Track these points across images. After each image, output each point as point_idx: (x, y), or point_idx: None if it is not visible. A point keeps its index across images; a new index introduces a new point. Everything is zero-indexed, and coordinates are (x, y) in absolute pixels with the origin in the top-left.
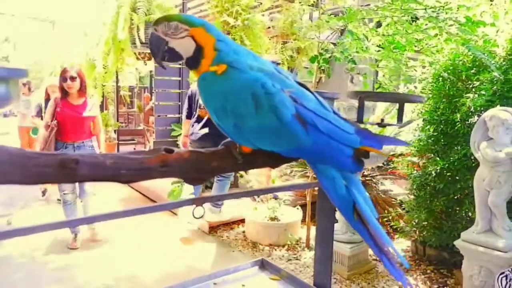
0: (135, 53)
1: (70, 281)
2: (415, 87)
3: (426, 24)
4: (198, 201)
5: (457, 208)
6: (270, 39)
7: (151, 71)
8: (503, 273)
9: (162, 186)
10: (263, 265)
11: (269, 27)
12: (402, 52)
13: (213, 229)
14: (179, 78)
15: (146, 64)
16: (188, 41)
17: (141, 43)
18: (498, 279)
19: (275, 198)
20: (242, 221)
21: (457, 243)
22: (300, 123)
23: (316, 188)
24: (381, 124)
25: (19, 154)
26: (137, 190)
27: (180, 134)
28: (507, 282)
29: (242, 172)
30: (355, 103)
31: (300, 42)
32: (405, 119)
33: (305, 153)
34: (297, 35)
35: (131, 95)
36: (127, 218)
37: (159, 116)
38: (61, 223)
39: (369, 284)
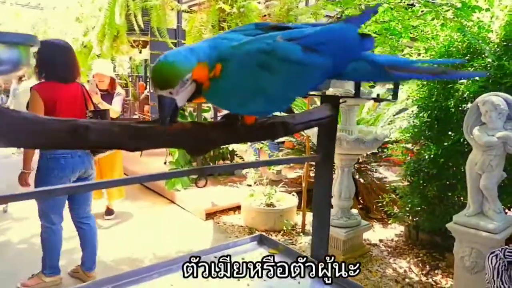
0: (129, 41)
1: (70, 265)
2: None
3: (422, 11)
4: (204, 171)
5: (450, 193)
6: None
7: (146, 60)
8: (493, 252)
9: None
10: (261, 240)
11: (264, 15)
12: (398, 39)
13: (210, 215)
14: None
15: (141, 52)
16: (192, 87)
17: (140, 30)
18: (488, 258)
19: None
20: (238, 207)
21: (449, 225)
22: (311, 52)
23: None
24: (377, 99)
25: (34, 120)
26: None
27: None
28: (497, 261)
29: (238, 159)
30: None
31: None
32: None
33: (330, 73)
34: (294, 23)
35: (126, 83)
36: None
37: (154, 104)
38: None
39: (364, 267)
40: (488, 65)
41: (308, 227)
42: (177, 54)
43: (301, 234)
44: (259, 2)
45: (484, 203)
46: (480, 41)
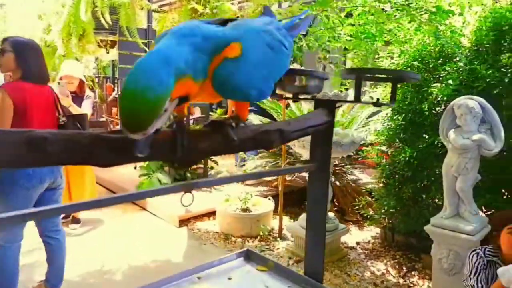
0: (96, 40)
1: (30, 281)
2: None
3: (395, 15)
4: (187, 187)
5: (424, 195)
6: None
7: (113, 60)
8: (475, 250)
9: (130, 179)
10: (248, 256)
11: (237, 16)
12: (373, 42)
13: (183, 222)
14: None
15: (108, 52)
16: (171, 107)
17: (108, 29)
18: (469, 255)
19: None
20: (213, 213)
21: (427, 228)
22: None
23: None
24: (377, 104)
25: None
26: (101, 185)
27: None
28: (477, 259)
29: (213, 164)
30: (329, 92)
31: None
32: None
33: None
34: None
35: (92, 85)
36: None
37: None
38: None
39: (342, 271)
40: (460, 69)
41: (285, 232)
42: (149, 75)
43: (278, 239)
44: (232, 3)
45: (460, 205)
46: (453, 45)
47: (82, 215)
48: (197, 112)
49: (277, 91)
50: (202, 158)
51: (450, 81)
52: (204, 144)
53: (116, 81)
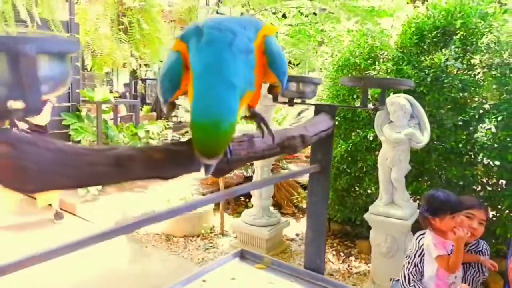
0: (7, 32)
1: None
2: (318, 75)
3: (332, 13)
4: (230, 195)
5: (358, 186)
6: (167, 23)
7: None
8: (422, 234)
9: None
10: (243, 255)
11: (163, 10)
12: (308, 41)
13: None
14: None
15: None
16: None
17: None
18: (417, 238)
19: None
20: None
21: (366, 216)
22: None
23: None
24: (375, 108)
25: (72, 151)
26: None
27: (74, 123)
28: (423, 243)
29: None
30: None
31: None
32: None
33: None
34: (195, 20)
35: None
36: (13, 218)
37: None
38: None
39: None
40: (389, 69)
41: (226, 229)
42: (221, 106)
43: (221, 236)
44: None
45: (394, 193)
46: (382, 45)
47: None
48: (123, 110)
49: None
50: (240, 166)
51: None
52: (244, 152)
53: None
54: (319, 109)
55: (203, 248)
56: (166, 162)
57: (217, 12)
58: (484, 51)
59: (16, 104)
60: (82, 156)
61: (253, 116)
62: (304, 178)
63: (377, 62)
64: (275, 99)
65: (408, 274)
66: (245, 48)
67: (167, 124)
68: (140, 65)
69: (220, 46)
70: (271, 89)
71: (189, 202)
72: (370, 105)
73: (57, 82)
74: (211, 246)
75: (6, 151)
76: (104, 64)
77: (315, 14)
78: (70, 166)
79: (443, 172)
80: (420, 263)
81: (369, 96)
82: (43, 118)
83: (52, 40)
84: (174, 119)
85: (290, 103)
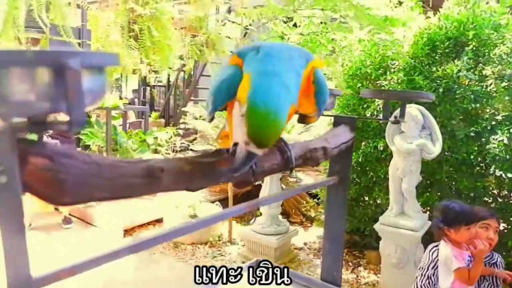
0: (16, 38)
1: None
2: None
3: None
4: (252, 206)
5: (367, 196)
6: (178, 31)
7: None
8: (436, 246)
9: None
10: (260, 265)
11: (173, 18)
12: (319, 51)
13: (127, 232)
14: None
15: None
16: None
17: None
18: (431, 250)
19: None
20: (158, 221)
21: (376, 226)
22: None
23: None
24: (395, 121)
25: (107, 164)
26: None
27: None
28: (437, 255)
29: None
30: None
31: (212, 36)
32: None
33: None
34: (207, 29)
35: None
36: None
37: None
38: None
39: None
40: (400, 80)
41: (234, 237)
42: (279, 101)
43: (228, 244)
44: (173, 6)
45: (405, 204)
46: (394, 54)
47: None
48: (132, 117)
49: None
50: (262, 178)
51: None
52: (267, 164)
53: None
54: (338, 121)
55: (211, 256)
56: (196, 174)
57: (228, 20)
58: (497, 62)
59: (61, 117)
60: (116, 168)
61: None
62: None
63: (388, 72)
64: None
65: (421, 286)
66: (296, 70)
67: (176, 131)
68: (149, 71)
69: (279, 59)
70: (303, 119)
71: (211, 216)
72: (392, 118)
73: (97, 94)
74: (219, 254)
75: (44, 164)
76: (114, 71)
77: (325, 23)
78: (105, 179)
79: (454, 183)
80: (433, 275)
81: (381, 107)
82: None
83: (95, 54)
84: (182, 125)
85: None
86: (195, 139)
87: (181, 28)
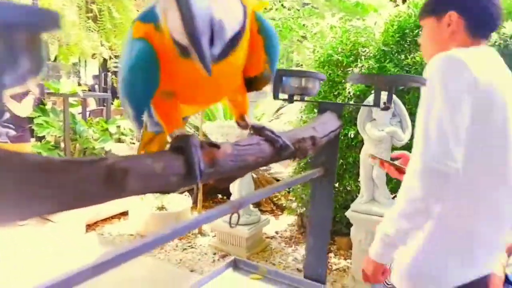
0: None
1: None
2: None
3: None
4: (235, 206)
5: (338, 183)
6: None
7: None
8: None
9: None
10: (236, 265)
11: None
12: (291, 36)
13: (90, 227)
14: None
15: None
16: None
17: None
18: None
19: None
20: (123, 214)
21: (348, 213)
22: None
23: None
24: (385, 107)
25: (51, 167)
26: None
27: (37, 117)
28: None
29: None
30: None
31: None
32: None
33: None
34: None
35: None
36: None
37: None
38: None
39: (267, 261)
40: (371, 67)
41: (205, 228)
42: None
43: (199, 235)
44: None
45: (375, 191)
46: (366, 40)
47: None
48: (92, 104)
49: (274, 92)
50: (247, 173)
51: None
52: (252, 157)
53: None
54: (324, 107)
55: (180, 248)
56: (167, 175)
57: None
58: None
59: None
60: (65, 172)
61: (258, 130)
62: (282, 175)
63: (359, 60)
64: (276, 96)
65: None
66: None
67: None
68: (110, 56)
69: None
70: (250, 85)
71: (194, 219)
72: (381, 104)
73: (26, 70)
74: (189, 246)
75: None
76: (71, 54)
77: (298, 10)
78: (50, 187)
79: None
80: None
81: (352, 94)
82: (23, 109)
83: (18, 7)
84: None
85: (290, 99)
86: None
87: None
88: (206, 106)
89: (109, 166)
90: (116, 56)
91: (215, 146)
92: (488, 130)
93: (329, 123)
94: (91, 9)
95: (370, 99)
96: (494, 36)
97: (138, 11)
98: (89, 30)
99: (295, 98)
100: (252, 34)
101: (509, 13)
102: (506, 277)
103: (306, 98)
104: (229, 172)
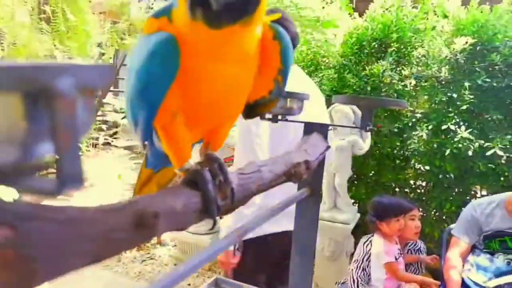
0: None
1: None
2: None
3: None
4: (241, 234)
5: None
6: (96, 16)
7: None
8: (368, 238)
9: None
10: (218, 285)
11: (90, 1)
12: None
13: None
14: None
15: None
16: None
17: None
18: (364, 244)
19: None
20: None
21: None
22: None
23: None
24: (369, 130)
25: (85, 219)
26: None
27: None
28: (370, 249)
29: None
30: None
31: (134, 23)
32: None
33: None
34: (129, 16)
35: None
36: None
37: None
38: None
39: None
40: (331, 77)
41: (164, 237)
42: None
43: (158, 246)
44: None
45: (337, 198)
46: (325, 53)
47: None
48: None
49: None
50: (247, 201)
51: (324, 87)
52: (254, 185)
53: None
54: (310, 128)
55: (139, 260)
56: (188, 212)
57: (151, 8)
58: (415, 63)
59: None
60: (96, 222)
61: (210, 159)
62: None
63: (319, 69)
64: (262, 117)
65: (357, 278)
66: None
67: (97, 125)
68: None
69: None
70: (254, 109)
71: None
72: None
73: (87, 125)
74: (148, 258)
75: (5, 237)
76: (19, 56)
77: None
78: (83, 240)
79: (379, 176)
80: (367, 267)
81: None
82: None
83: (88, 68)
84: (100, 118)
85: (274, 120)
86: (115, 133)
87: (100, 13)
88: (207, 130)
89: (140, 211)
90: (70, 60)
91: (226, 180)
92: None
93: (319, 145)
94: (44, 10)
95: (333, 107)
96: (445, 51)
97: (93, 13)
98: (41, 32)
99: (279, 117)
100: (267, 41)
101: (458, 30)
102: (463, 281)
103: (289, 118)
104: (236, 203)
